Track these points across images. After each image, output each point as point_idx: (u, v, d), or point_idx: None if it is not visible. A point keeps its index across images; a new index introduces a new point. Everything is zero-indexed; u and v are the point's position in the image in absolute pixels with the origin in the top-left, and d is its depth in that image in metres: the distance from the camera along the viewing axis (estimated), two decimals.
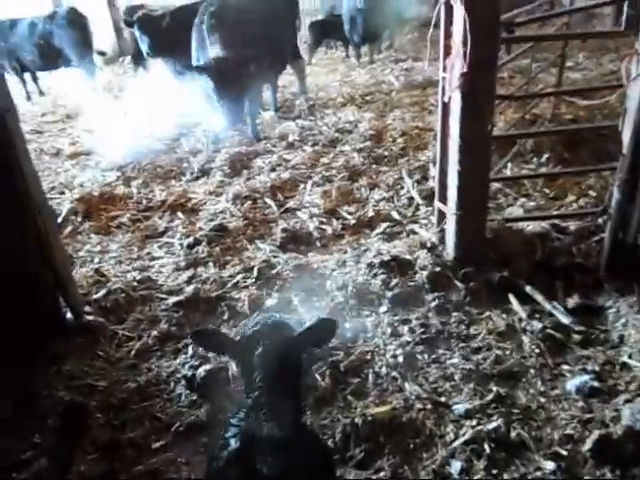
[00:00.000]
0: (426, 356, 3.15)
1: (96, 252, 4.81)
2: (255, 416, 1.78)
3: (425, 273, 3.73)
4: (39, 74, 11.03)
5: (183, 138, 7.33)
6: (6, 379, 3.14)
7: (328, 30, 11.91)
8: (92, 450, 2.78)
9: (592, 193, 4.81)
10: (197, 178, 6.20)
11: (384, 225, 4.71)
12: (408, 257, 3.92)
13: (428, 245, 3.97)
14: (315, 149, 6.51)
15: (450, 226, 3.75)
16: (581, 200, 4.72)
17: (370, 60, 11.17)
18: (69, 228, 5.26)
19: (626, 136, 3.16)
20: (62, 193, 5.98)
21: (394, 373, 3.04)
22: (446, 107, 3.53)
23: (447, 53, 3.29)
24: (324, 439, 2.64)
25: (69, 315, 3.58)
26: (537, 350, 3.09)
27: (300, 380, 2.15)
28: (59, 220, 5.32)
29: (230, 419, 1.89)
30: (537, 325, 3.24)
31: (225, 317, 3.68)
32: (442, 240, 3.93)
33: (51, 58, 10.36)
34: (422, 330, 3.33)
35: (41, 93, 11.18)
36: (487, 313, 3.44)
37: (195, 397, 3.05)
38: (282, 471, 1.65)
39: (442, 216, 3.91)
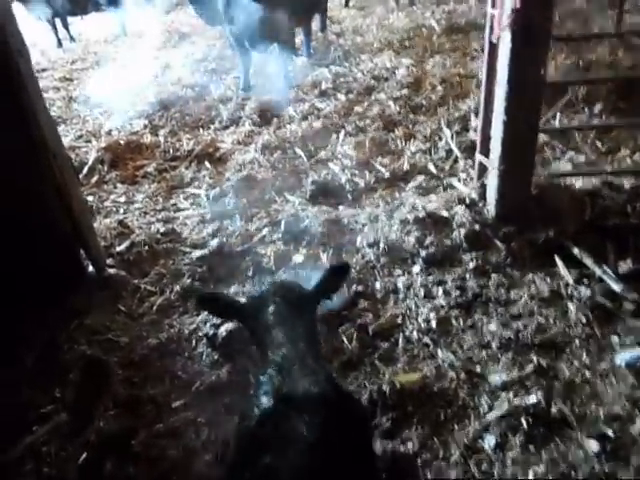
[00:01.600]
0: (461, 321, 2.94)
1: (121, 203, 4.70)
2: (287, 372, 1.68)
3: (463, 231, 3.48)
4: (70, 20, 10.81)
5: (212, 85, 7.05)
6: (28, 331, 3.08)
7: None
8: (112, 406, 2.71)
9: None
10: (226, 127, 5.98)
11: (420, 178, 4.43)
12: (445, 213, 3.66)
13: (467, 201, 3.70)
14: (349, 97, 6.18)
15: (492, 181, 3.47)
16: (636, 155, 4.34)
17: (410, 2, 10.53)
18: (95, 177, 5.16)
19: None
20: (89, 141, 5.86)
21: (426, 339, 2.85)
22: (493, 49, 3.19)
23: None
24: (358, 396, 2.50)
25: (90, 268, 3.49)
26: (584, 319, 2.85)
27: (318, 336, 2.05)
28: (85, 169, 5.23)
29: (260, 376, 1.76)
30: (585, 292, 2.98)
31: (250, 273, 3.53)
32: (482, 196, 3.65)
33: (80, 2, 10.11)
34: (458, 293, 3.11)
35: (72, 39, 10.97)
36: (530, 276, 3.19)
37: (217, 356, 2.93)
38: (322, 430, 1.52)
39: (483, 170, 3.62)
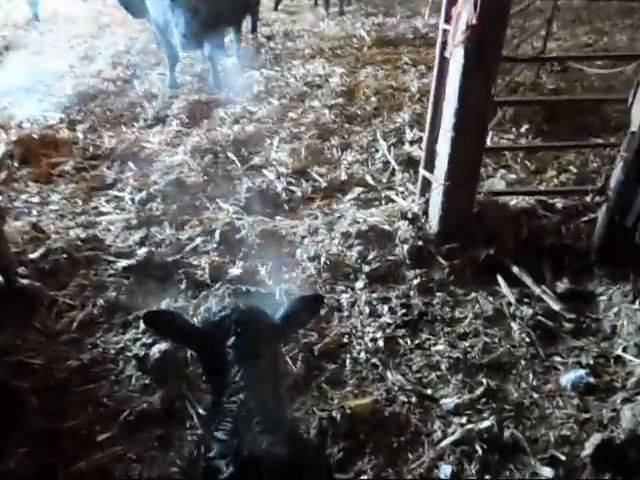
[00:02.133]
0: (409, 341, 2.87)
1: (34, 203, 4.25)
2: (247, 428, 1.41)
3: (406, 247, 3.42)
4: None
5: (136, 80, 6.62)
6: None
7: None
8: (25, 442, 2.37)
9: (572, 169, 4.61)
10: (151, 126, 5.61)
11: (358, 190, 4.35)
12: (387, 228, 3.59)
13: (409, 216, 3.65)
14: (282, 102, 6.01)
15: (436, 197, 3.44)
16: (562, 176, 4.51)
17: (340, 11, 10.53)
18: (4, 174, 4.64)
19: (637, 112, 2.90)
20: None
21: (374, 359, 2.75)
22: (444, 64, 3.16)
23: (453, 1, 2.88)
24: (323, 447, 2.31)
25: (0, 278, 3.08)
26: (527, 339, 2.87)
27: (280, 375, 1.84)
28: None
29: (214, 431, 1.47)
30: (527, 311, 3.00)
31: (182, 286, 3.27)
32: (425, 212, 3.62)
33: None
34: (403, 311, 3.04)
35: None
36: (473, 294, 3.18)
37: (148, 380, 2.66)
38: None
39: (427, 185, 3.58)
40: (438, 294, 3.17)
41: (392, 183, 4.45)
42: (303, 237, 3.69)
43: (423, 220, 3.60)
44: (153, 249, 3.55)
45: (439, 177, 3.34)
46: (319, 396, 2.55)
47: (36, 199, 4.31)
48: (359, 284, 3.27)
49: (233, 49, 7.63)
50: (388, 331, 2.91)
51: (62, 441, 2.38)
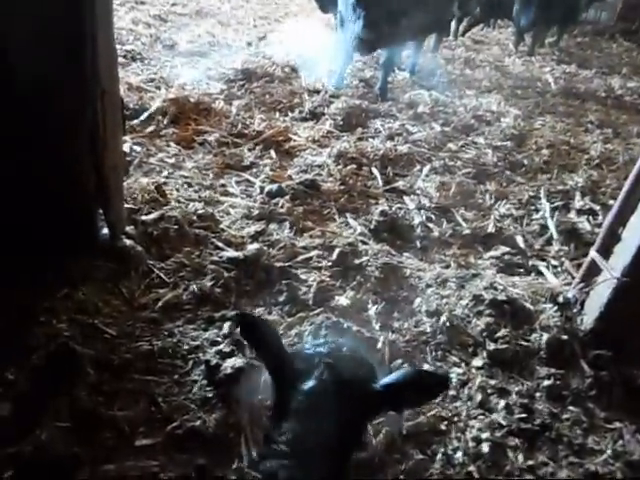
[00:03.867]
0: (520, 457, 2.28)
1: (168, 164, 4.18)
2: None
3: (546, 336, 2.81)
4: None
5: (304, 71, 6.47)
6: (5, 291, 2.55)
7: (493, 5, 10.55)
8: (64, 416, 2.14)
9: None
10: (305, 119, 5.41)
11: (503, 249, 3.75)
12: (529, 306, 3.00)
13: (560, 300, 3.02)
14: (444, 130, 5.52)
15: (603, 289, 2.79)
16: None
17: (530, 51, 9.77)
18: (151, 128, 4.66)
19: None
20: (158, 88, 5.38)
21: (471, 467, 2.20)
22: None
23: None
24: None
25: (105, 231, 2.94)
26: None
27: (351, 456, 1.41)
28: (144, 115, 4.74)
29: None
30: None
31: (281, 299, 2.93)
32: (582, 302, 2.97)
33: None
34: (523, 415, 2.45)
35: None
36: (616, 424, 2.50)
37: (211, 394, 2.34)
38: None
39: (593, 271, 2.93)
40: (571, 408, 2.53)
41: (546, 253, 3.80)
42: (428, 286, 3.19)
43: (576, 310, 2.95)
44: (265, 247, 3.25)
45: (615, 267, 2.69)
46: None
47: (171, 160, 4.24)
48: (477, 362, 2.72)
49: (408, 64, 7.29)
50: (497, 434, 2.34)
51: (100, 430, 2.12)
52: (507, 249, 3.76)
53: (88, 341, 2.47)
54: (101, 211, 2.85)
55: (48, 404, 2.17)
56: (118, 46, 6.39)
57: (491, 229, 3.96)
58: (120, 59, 6.08)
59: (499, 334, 2.82)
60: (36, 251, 2.59)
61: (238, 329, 1.93)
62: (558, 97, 7.45)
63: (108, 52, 2.45)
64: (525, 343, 2.79)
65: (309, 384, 1.31)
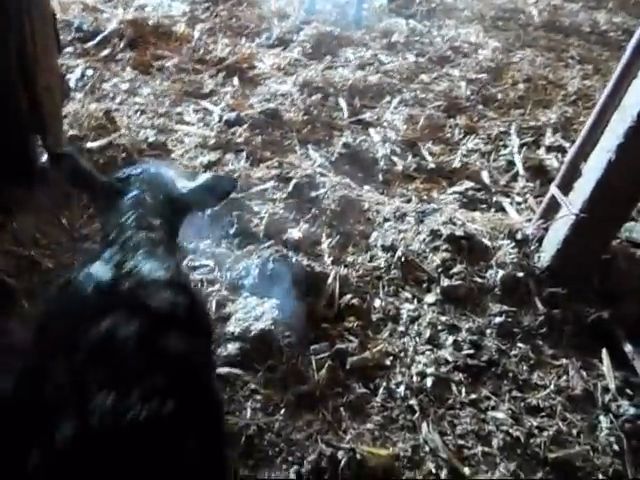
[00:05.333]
0: (463, 392, 2.27)
1: (122, 90, 3.95)
2: (131, 254, 1.45)
3: (501, 273, 2.76)
4: None
5: None
6: None
7: None
8: None
9: None
10: (272, 46, 5.12)
11: (467, 184, 3.66)
12: (487, 242, 2.93)
13: (518, 236, 2.96)
14: (418, 61, 5.28)
15: (560, 226, 2.72)
16: None
17: None
18: (106, 51, 4.38)
19: None
20: (115, 8, 5.02)
21: (413, 401, 2.18)
22: (631, 68, 2.38)
23: None
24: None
25: (44, 159, 2.76)
26: (616, 446, 2.17)
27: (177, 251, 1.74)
28: (98, 38, 4.44)
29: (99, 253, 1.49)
30: (627, 408, 2.29)
31: (232, 231, 2.83)
32: (540, 239, 2.91)
33: None
34: (470, 351, 2.42)
35: None
36: (564, 361, 2.49)
37: None
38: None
39: (553, 207, 2.86)
40: (520, 345, 2.51)
41: (510, 189, 3.71)
42: (386, 219, 3.11)
43: (533, 247, 2.90)
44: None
45: (574, 203, 2.61)
46: (331, 423, 2.04)
47: (125, 86, 4.01)
48: (430, 298, 2.67)
49: None
50: (442, 370, 2.32)
51: None
52: (471, 184, 3.67)
53: (23, 273, 2.35)
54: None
55: None
56: None
57: (457, 164, 3.85)
58: None
59: (454, 270, 2.76)
60: None
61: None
62: (540, 30, 7.16)
63: None
64: (480, 280, 2.74)
65: (129, 194, 1.62)
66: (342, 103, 4.31)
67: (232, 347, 2.19)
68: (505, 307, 2.64)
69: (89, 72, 4.03)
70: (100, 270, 1.39)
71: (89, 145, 3.08)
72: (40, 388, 1.17)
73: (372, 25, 6.00)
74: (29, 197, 2.65)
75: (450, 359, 2.36)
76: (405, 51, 5.44)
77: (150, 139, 3.30)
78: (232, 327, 2.25)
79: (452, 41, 5.93)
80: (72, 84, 3.85)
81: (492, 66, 5.50)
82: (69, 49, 4.32)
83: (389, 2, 6.79)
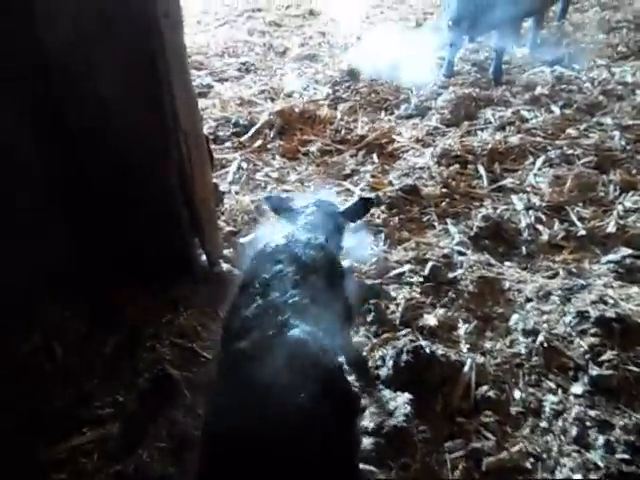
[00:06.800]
0: None
1: (272, 178, 4.36)
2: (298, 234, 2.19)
3: None
4: None
5: (411, 63, 6.22)
6: (116, 314, 2.88)
7: None
8: (163, 437, 2.38)
9: None
10: (410, 116, 5.29)
11: (625, 251, 3.38)
12: None
13: None
14: (564, 113, 5.06)
15: None
16: None
17: None
18: (259, 142, 4.88)
19: None
20: (267, 100, 5.59)
21: None
22: None
23: None
24: None
25: (205, 258, 3.17)
26: None
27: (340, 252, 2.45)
28: (251, 131, 4.97)
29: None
30: None
31: (369, 318, 2.94)
32: None
33: None
34: (625, 455, 2.21)
35: None
36: None
37: None
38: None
39: None
40: None
41: None
42: (528, 300, 3.00)
43: None
44: (355, 264, 3.28)
45: None
46: None
47: (275, 174, 4.41)
48: (576, 388, 2.51)
49: (528, 38, 6.73)
50: (592, 477, 2.15)
51: (193, 451, 2.33)
52: (629, 251, 3.38)
53: (186, 364, 2.70)
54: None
55: (150, 425, 2.42)
56: (233, 59, 6.81)
57: (612, 228, 3.58)
58: (235, 72, 6.47)
59: (605, 357, 2.57)
60: (143, 280, 2.88)
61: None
62: None
63: (188, 98, 2.62)
64: (635, 368, 2.51)
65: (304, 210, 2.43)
66: (481, 170, 4.28)
67: (367, 442, 2.26)
68: None
69: (244, 164, 4.52)
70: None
71: (243, 239, 3.45)
72: None
73: (514, 79, 5.92)
74: (192, 294, 3.04)
75: (601, 464, 2.18)
76: (550, 104, 5.25)
77: None
78: (367, 421, 2.33)
79: (604, 84, 5.61)
80: (230, 177, 4.35)
81: None
82: (228, 144, 4.90)
83: (531, 51, 6.62)
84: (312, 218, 2.33)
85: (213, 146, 4.77)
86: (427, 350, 2.58)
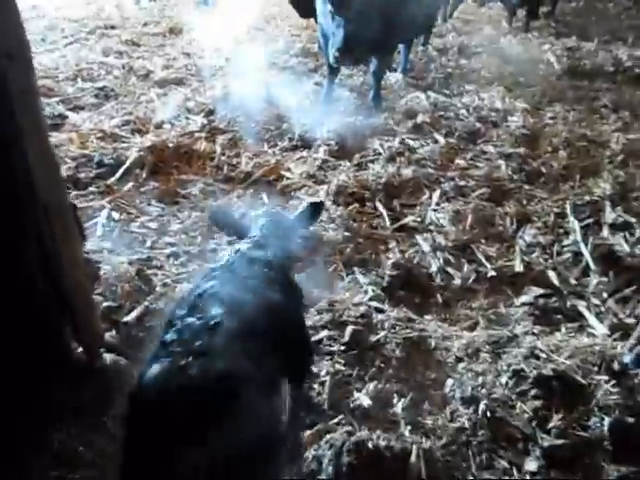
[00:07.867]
0: None
1: (151, 230, 3.75)
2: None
3: (607, 421, 2.38)
4: None
5: (288, 88, 5.88)
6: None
7: None
8: None
9: None
10: (295, 147, 4.94)
11: (535, 291, 3.32)
12: (579, 379, 2.56)
13: (615, 366, 2.59)
14: (449, 142, 5.04)
15: None
16: None
17: (525, 27, 9.19)
18: (130, 184, 4.24)
19: None
20: (136, 131, 4.92)
21: None
22: None
23: None
24: None
25: (82, 351, 2.52)
26: None
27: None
28: (120, 172, 4.30)
29: None
30: None
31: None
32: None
33: None
34: None
35: None
36: None
37: None
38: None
39: None
40: None
41: (584, 288, 3.36)
42: (458, 360, 2.77)
43: (638, 381, 2.52)
44: None
45: None
46: None
47: (154, 225, 3.81)
48: (531, 465, 2.30)
49: (399, 63, 6.76)
50: None
51: None
52: (540, 290, 3.32)
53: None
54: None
55: None
56: (89, 84, 5.99)
57: (519, 267, 3.51)
58: (92, 99, 5.68)
59: (552, 423, 2.40)
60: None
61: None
62: (564, 79, 6.93)
63: (45, 161, 2.00)
64: (583, 434, 2.36)
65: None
66: (380, 208, 4.06)
67: None
68: (624, 469, 2.24)
69: (115, 214, 3.86)
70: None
71: (126, 318, 2.84)
72: None
73: (393, 105, 5.83)
74: (69, 399, 2.37)
75: None
76: (433, 132, 5.21)
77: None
78: None
79: (478, 111, 5.72)
80: (99, 231, 3.68)
81: (526, 133, 5.28)
82: (92, 188, 4.18)
83: (404, 75, 6.65)
84: (262, 233, 2.33)
85: (74, 192, 4.06)
86: (370, 445, 2.21)
